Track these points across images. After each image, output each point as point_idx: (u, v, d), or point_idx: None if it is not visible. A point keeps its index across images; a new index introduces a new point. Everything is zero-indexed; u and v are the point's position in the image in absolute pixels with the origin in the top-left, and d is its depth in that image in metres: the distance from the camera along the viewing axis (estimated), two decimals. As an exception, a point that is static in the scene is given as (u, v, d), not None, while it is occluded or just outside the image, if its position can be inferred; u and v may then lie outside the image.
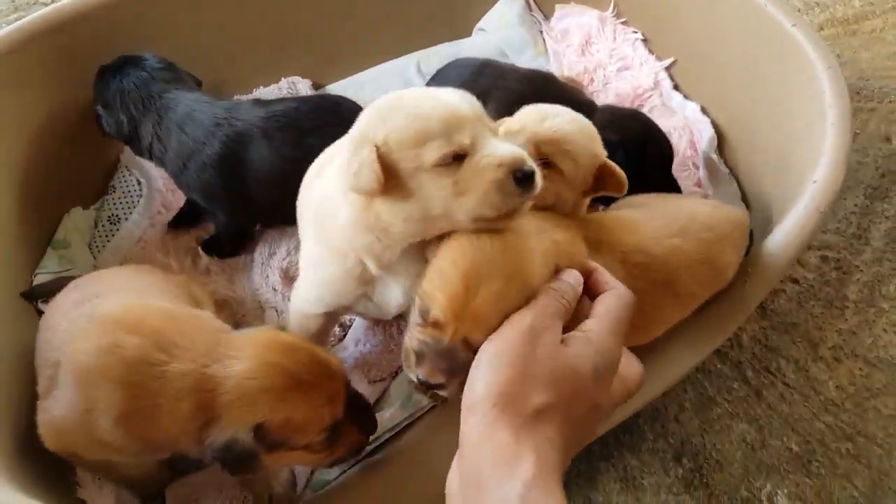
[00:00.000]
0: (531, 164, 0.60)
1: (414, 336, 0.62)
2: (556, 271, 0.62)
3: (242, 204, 1.01)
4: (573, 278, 0.61)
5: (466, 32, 1.40)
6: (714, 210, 0.88)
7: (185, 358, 0.64)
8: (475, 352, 0.57)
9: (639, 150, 0.99)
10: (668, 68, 1.28)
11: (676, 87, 1.27)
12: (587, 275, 0.63)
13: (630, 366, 0.63)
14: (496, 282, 0.58)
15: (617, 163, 0.79)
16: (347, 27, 1.30)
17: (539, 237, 0.63)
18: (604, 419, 0.59)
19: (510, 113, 0.80)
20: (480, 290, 0.58)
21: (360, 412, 0.73)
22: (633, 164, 0.95)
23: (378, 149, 0.60)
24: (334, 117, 0.97)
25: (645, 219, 0.81)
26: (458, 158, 0.59)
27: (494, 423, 0.51)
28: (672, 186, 1.05)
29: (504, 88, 1.09)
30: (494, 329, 0.57)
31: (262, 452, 0.64)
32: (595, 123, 0.80)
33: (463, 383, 0.57)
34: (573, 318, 0.60)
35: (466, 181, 0.59)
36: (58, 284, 0.92)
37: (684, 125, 1.22)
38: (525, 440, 0.50)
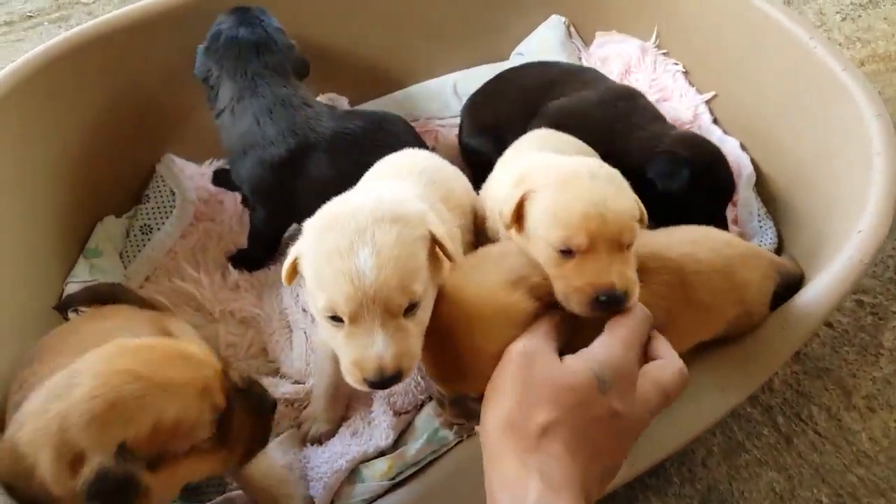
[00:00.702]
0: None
1: (433, 387, 0.71)
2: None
3: (286, 207, 1.01)
4: None
5: (504, 55, 1.39)
6: (737, 237, 0.88)
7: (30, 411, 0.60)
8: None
9: (704, 173, 1.00)
10: (708, 102, 1.26)
11: (716, 122, 1.25)
12: None
13: (665, 369, 0.62)
14: (471, 339, 0.63)
15: (682, 180, 0.94)
16: (387, 46, 1.30)
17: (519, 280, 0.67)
18: (636, 427, 0.59)
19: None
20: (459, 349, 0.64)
21: (248, 397, 0.67)
22: (695, 187, 0.98)
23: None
24: (392, 137, 1.01)
25: (661, 233, 0.82)
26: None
27: (501, 453, 0.54)
28: (721, 223, 1.03)
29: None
30: (488, 371, 0.62)
31: (142, 476, 0.57)
32: (668, 137, 0.92)
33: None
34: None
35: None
36: (87, 294, 0.93)
37: (723, 161, 1.20)
38: (530, 464, 0.52)
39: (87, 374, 0.59)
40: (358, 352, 0.61)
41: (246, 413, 0.66)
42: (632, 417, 0.58)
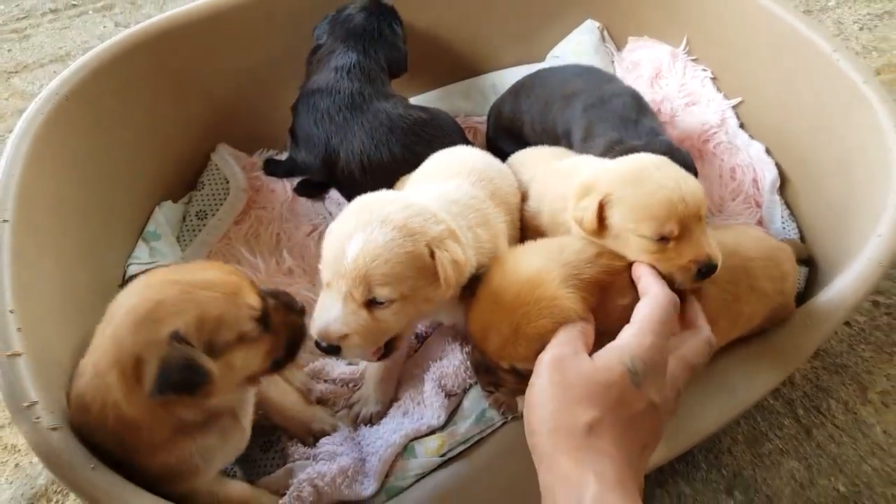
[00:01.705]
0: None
1: (473, 354, 0.78)
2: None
3: (326, 166, 1.11)
4: None
5: (539, 57, 1.44)
6: (762, 231, 0.95)
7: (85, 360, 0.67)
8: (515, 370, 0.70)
9: None
10: (734, 107, 1.31)
11: (742, 126, 1.30)
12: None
13: (688, 341, 0.67)
14: (512, 315, 0.69)
15: None
16: (428, 46, 1.35)
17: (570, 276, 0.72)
18: (671, 410, 0.63)
19: None
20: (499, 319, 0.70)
21: (278, 297, 0.73)
22: None
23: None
24: (440, 131, 1.10)
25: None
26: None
27: (554, 453, 0.56)
28: None
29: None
30: (519, 350, 0.69)
31: (202, 359, 0.62)
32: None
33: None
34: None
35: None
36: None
37: (748, 163, 1.25)
38: (585, 461, 0.55)
39: (126, 295, 0.65)
40: (318, 313, 0.73)
41: (280, 312, 0.71)
42: (666, 405, 0.61)
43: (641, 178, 0.75)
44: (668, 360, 0.64)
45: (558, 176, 0.94)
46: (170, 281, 0.64)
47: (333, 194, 1.21)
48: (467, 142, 1.14)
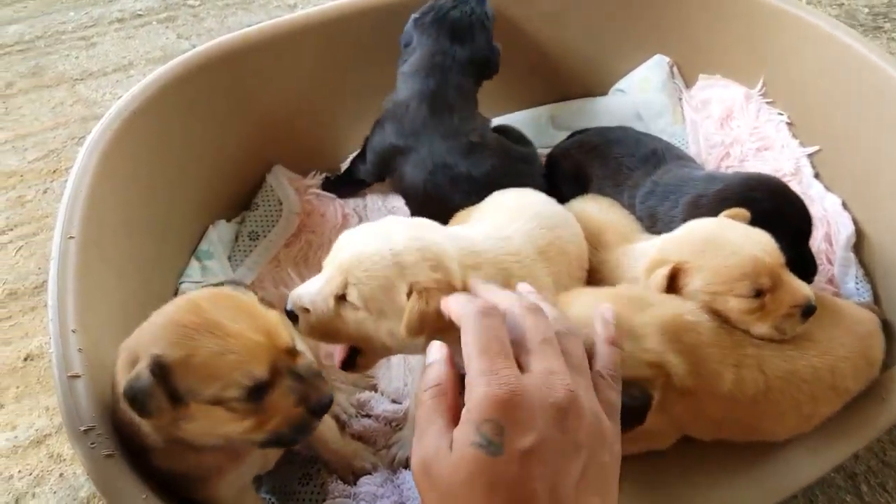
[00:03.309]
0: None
1: None
2: None
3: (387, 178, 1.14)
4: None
5: (602, 90, 1.40)
6: (856, 307, 0.90)
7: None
8: None
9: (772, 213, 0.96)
10: (810, 155, 1.25)
11: (817, 177, 1.23)
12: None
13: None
14: None
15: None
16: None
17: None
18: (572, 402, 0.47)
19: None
20: None
21: (301, 386, 0.65)
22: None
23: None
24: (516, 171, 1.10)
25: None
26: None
27: None
28: (808, 260, 0.99)
29: None
30: None
31: (161, 396, 0.59)
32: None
33: None
34: None
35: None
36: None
37: (822, 217, 1.19)
38: None
39: (174, 301, 0.66)
40: (301, 286, 0.77)
41: (288, 398, 0.64)
42: (555, 410, 0.45)
43: (717, 242, 0.79)
44: (514, 371, 0.47)
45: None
46: (197, 309, 0.62)
47: (379, 219, 1.18)
48: (545, 182, 1.12)
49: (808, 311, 0.77)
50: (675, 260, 0.79)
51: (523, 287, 0.62)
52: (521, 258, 0.83)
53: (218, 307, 0.63)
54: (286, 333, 0.66)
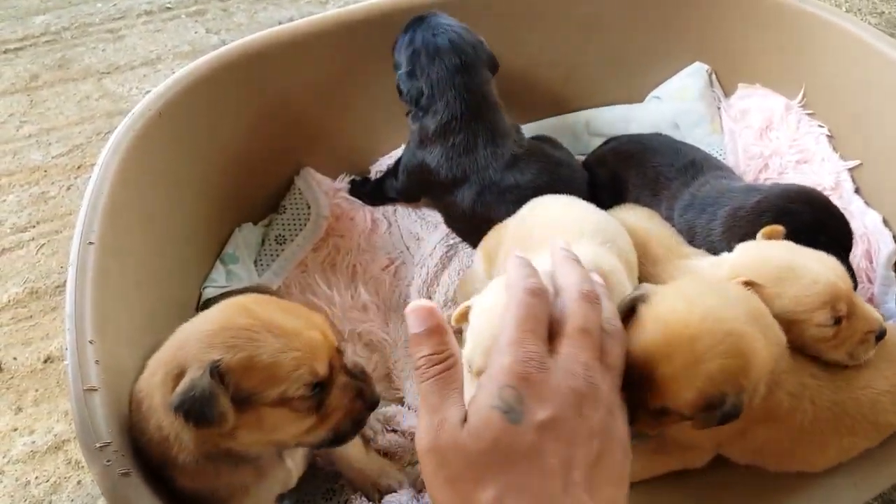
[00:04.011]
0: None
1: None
2: None
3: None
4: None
5: (638, 97, 1.37)
6: None
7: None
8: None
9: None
10: (851, 170, 1.21)
11: (857, 192, 1.19)
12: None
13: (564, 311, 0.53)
14: None
15: None
16: (521, 80, 1.29)
17: None
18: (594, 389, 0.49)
19: None
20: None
21: (354, 382, 0.67)
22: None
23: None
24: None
25: None
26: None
27: None
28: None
29: None
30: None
31: (224, 402, 0.58)
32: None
33: None
34: None
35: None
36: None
37: (862, 233, 1.15)
38: None
39: (217, 306, 0.64)
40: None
41: (345, 395, 0.66)
42: (580, 397, 0.47)
43: (795, 271, 0.77)
44: (541, 349, 0.49)
45: None
46: (248, 311, 0.62)
47: (409, 225, 1.18)
48: (588, 189, 1.10)
49: (881, 335, 0.77)
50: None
51: (595, 276, 0.60)
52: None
53: (267, 308, 0.63)
54: (328, 326, 0.67)
